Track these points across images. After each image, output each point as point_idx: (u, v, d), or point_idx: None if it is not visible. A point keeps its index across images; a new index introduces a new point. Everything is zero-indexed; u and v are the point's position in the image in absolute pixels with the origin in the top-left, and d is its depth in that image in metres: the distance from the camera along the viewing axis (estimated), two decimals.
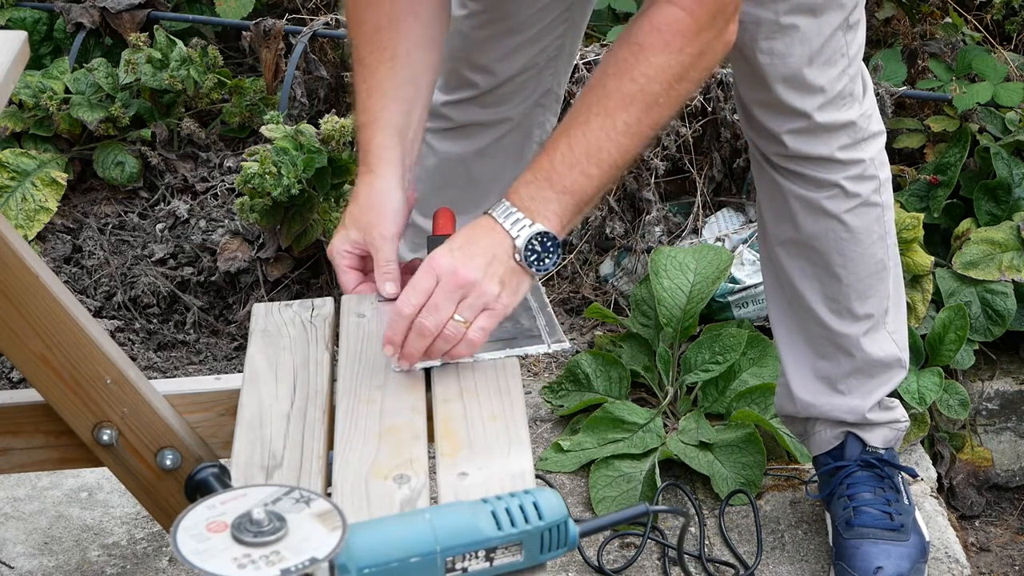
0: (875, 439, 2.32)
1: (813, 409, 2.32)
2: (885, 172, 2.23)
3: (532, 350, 1.79)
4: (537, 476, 2.53)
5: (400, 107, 1.90)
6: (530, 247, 1.70)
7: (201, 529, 1.30)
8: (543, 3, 2.20)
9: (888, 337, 2.28)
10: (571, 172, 1.70)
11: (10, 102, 3.41)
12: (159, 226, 3.37)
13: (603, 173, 1.71)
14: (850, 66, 2.11)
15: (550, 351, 1.80)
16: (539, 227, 1.70)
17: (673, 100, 1.73)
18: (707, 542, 2.42)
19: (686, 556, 2.39)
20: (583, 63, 3.21)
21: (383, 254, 1.87)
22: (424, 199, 2.38)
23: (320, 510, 1.33)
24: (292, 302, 1.96)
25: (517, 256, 1.70)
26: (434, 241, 1.89)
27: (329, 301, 1.96)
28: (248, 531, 1.29)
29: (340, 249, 1.89)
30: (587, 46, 3.29)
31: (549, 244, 1.71)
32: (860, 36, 2.13)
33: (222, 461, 1.81)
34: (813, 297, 2.25)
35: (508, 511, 1.41)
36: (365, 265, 1.91)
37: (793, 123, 2.12)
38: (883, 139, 2.22)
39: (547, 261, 1.72)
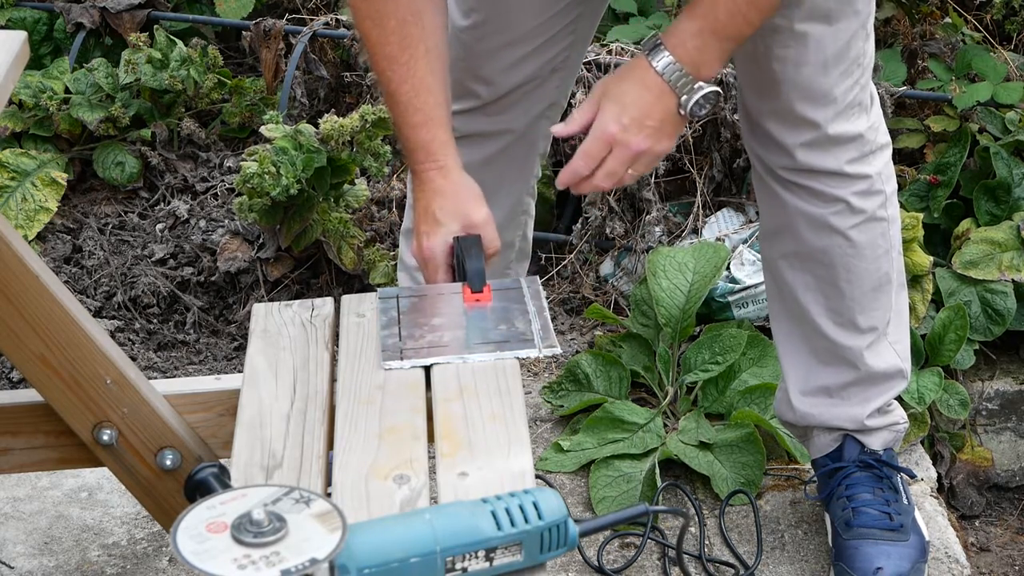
0: (874, 443, 2.32)
1: (812, 419, 2.31)
2: (891, 185, 2.22)
3: (523, 354, 1.79)
4: (537, 476, 2.53)
5: (446, 100, 1.98)
6: (697, 104, 1.86)
7: (201, 530, 1.30)
8: (547, 15, 2.17)
9: (890, 348, 2.27)
10: (734, 20, 1.83)
11: (10, 102, 3.41)
12: (159, 226, 3.37)
13: (761, 15, 1.84)
14: (863, 76, 2.10)
15: (540, 356, 1.80)
16: (707, 88, 1.85)
17: None
18: (707, 542, 2.42)
19: (686, 556, 2.39)
20: (583, 63, 3.21)
21: (490, 236, 1.95)
22: None
23: (320, 510, 1.33)
24: (292, 302, 1.96)
25: (682, 111, 1.87)
26: (461, 241, 1.91)
27: (329, 301, 1.96)
28: (248, 531, 1.29)
29: (442, 248, 1.94)
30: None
31: (712, 96, 1.86)
32: (871, 47, 2.12)
33: (222, 461, 1.81)
34: (816, 309, 2.24)
35: (508, 511, 1.41)
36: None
37: (804, 134, 2.10)
38: (889, 151, 2.21)
39: (706, 110, 1.87)
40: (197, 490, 1.56)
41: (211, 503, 1.34)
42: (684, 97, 1.86)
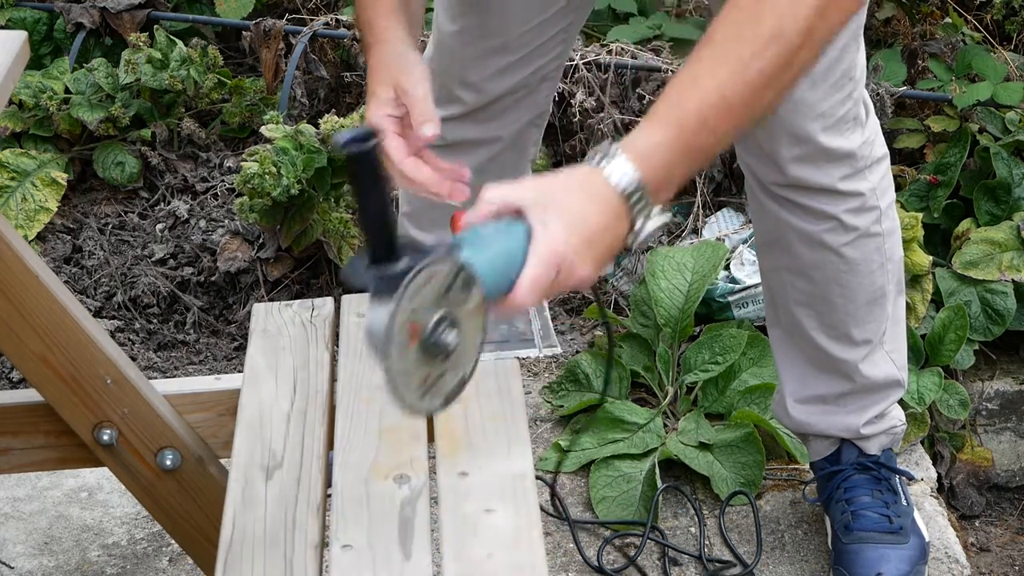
0: (871, 448, 2.32)
1: (808, 427, 2.31)
2: (888, 197, 2.19)
3: (523, 353, 1.80)
4: (537, 476, 2.52)
5: None
6: (645, 238, 1.47)
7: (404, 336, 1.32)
8: (536, 22, 2.16)
9: (886, 357, 2.27)
10: (703, 131, 1.44)
11: (10, 102, 3.41)
12: (159, 226, 3.37)
13: (733, 124, 1.46)
14: (855, 89, 2.07)
15: (540, 355, 1.80)
16: (666, 218, 1.47)
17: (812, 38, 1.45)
18: (707, 542, 2.43)
19: (686, 556, 2.39)
20: (583, 63, 3.21)
21: (417, 96, 1.86)
22: (418, 214, 2.37)
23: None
24: (292, 302, 1.97)
25: (631, 240, 1.46)
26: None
27: (329, 301, 1.96)
28: (435, 351, 1.34)
29: (379, 114, 1.88)
30: (587, 46, 3.29)
31: (658, 231, 1.50)
32: (863, 59, 2.10)
33: (222, 461, 1.81)
34: (810, 323, 2.23)
35: None
36: (404, 129, 1.90)
37: (793, 148, 2.08)
38: (886, 163, 2.18)
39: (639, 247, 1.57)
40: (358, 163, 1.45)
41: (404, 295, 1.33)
42: (638, 224, 1.46)
